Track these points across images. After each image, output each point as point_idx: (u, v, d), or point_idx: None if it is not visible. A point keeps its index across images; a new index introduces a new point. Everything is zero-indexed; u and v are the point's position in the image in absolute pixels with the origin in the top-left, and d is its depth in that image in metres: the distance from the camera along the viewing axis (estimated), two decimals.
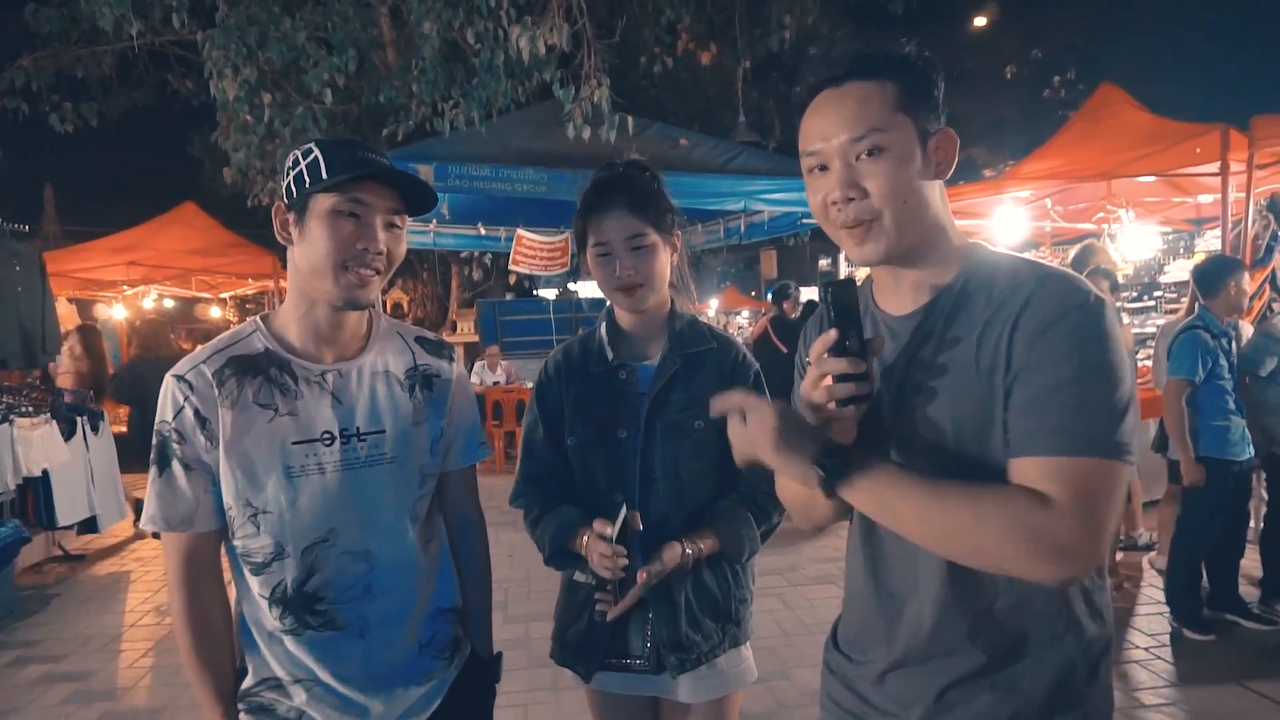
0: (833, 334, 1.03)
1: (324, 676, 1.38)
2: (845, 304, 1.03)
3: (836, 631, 1.37)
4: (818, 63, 1.10)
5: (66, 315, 9.02)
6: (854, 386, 1.02)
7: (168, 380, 1.36)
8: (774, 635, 3.92)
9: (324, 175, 1.31)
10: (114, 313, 11.19)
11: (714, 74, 12.27)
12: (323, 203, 1.32)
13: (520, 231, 7.76)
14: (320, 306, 1.39)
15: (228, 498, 1.35)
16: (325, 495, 1.36)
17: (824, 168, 1.10)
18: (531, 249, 7.82)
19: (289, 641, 1.38)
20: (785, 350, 6.74)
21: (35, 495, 5.29)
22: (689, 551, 1.62)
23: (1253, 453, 3.84)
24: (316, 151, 1.33)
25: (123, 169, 18.37)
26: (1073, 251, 5.37)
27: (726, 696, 1.73)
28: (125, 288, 10.71)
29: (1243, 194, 5.14)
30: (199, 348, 1.42)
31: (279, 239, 1.40)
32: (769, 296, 8.86)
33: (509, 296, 14.95)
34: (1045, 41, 24.59)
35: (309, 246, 1.34)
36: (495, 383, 9.56)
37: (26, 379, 6.24)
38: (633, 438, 1.68)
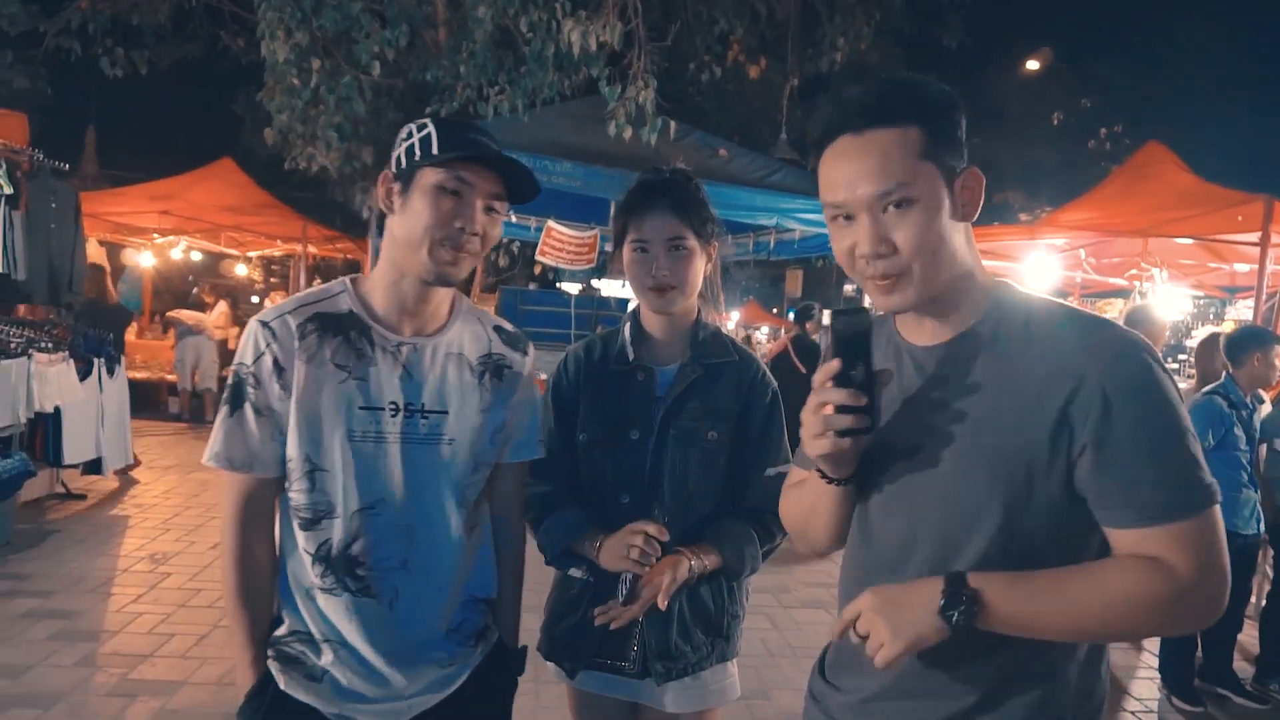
0: (835, 364, 1.02)
1: (352, 640, 1.40)
2: (853, 334, 1.03)
3: (824, 658, 1.35)
4: (834, 104, 1.06)
5: (95, 256, 9.12)
6: (853, 419, 1.02)
7: (252, 324, 1.38)
8: (759, 654, 3.90)
9: (435, 151, 1.33)
10: (142, 259, 11.29)
11: (760, 88, 12.23)
12: (429, 177, 1.34)
13: (551, 223, 7.76)
14: (409, 279, 1.40)
15: (291, 449, 1.37)
16: (380, 464, 1.38)
17: (849, 218, 1.07)
18: (560, 241, 7.81)
19: (324, 600, 1.40)
20: (804, 371, 6.71)
21: (44, 431, 5.36)
22: (693, 566, 1.61)
23: (1260, 529, 3.79)
24: (431, 127, 1.36)
25: (166, 118, 18.52)
26: (1124, 309, 5.32)
27: (707, 710, 1.73)
28: (156, 236, 10.82)
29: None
30: (278, 300, 1.44)
31: (381, 207, 1.42)
32: (791, 315, 8.84)
33: (532, 286, 14.98)
34: (1095, 93, 24.40)
35: (409, 218, 1.36)
36: None
37: (50, 314, 6.29)
38: (645, 440, 1.68)
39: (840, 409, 1.02)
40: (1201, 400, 3.81)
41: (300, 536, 1.40)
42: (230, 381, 1.38)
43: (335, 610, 1.40)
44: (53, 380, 5.20)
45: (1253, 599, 4.23)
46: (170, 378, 10.07)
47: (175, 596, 4.20)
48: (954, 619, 0.98)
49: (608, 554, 1.61)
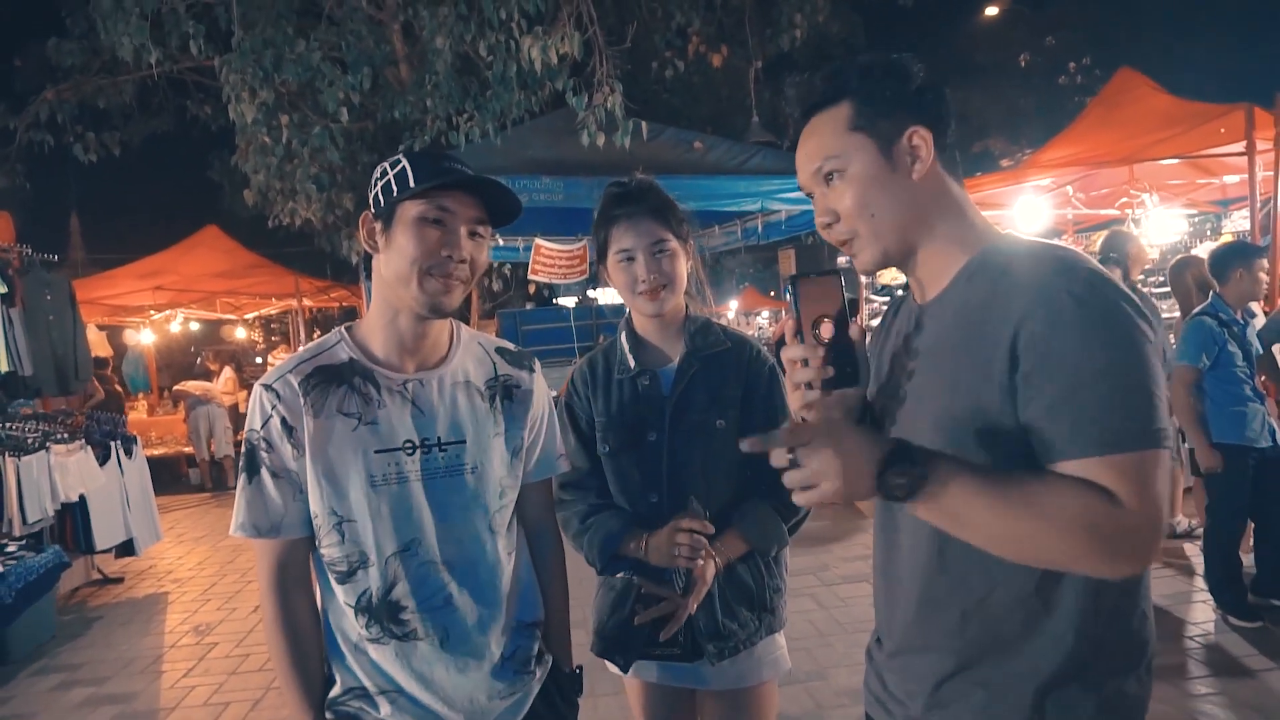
0: (790, 322, 1.08)
1: (408, 687, 1.39)
2: (814, 293, 1.07)
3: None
4: (792, 103, 1.17)
5: (96, 342, 9.17)
6: (811, 372, 1.05)
7: (256, 389, 1.39)
8: (809, 635, 3.89)
9: (411, 184, 1.33)
10: (142, 338, 11.36)
11: (726, 76, 12.26)
12: (409, 210, 1.34)
13: (539, 241, 7.79)
14: (404, 315, 1.40)
15: (314, 506, 1.37)
16: (407, 504, 1.37)
17: (811, 196, 1.18)
18: (550, 257, 7.84)
19: (374, 651, 1.39)
20: None
21: (73, 520, 5.38)
22: (718, 563, 1.69)
23: (1277, 440, 3.77)
24: (405, 162, 1.36)
25: (146, 195, 18.66)
26: (1099, 239, 5.31)
27: (764, 683, 1.79)
28: (152, 312, 10.87)
29: (1270, 172, 5.05)
30: (282, 357, 1.45)
31: (365, 247, 1.43)
32: (786, 295, 8.82)
33: (529, 306, 15.02)
34: (1059, 29, 24.31)
35: (394, 254, 1.35)
36: None
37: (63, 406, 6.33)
38: (661, 440, 1.74)
39: (805, 362, 1.06)
40: (1191, 323, 3.83)
41: (339, 590, 1.39)
42: (244, 449, 1.39)
43: (386, 659, 1.39)
44: (73, 469, 5.24)
45: None
46: (187, 450, 10.12)
47: (224, 665, 4.22)
48: (891, 483, 0.95)
49: (655, 553, 1.67)
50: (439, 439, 1.40)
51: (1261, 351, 3.92)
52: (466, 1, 7.01)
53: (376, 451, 1.36)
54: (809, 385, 1.07)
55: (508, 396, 1.51)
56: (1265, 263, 3.83)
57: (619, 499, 1.79)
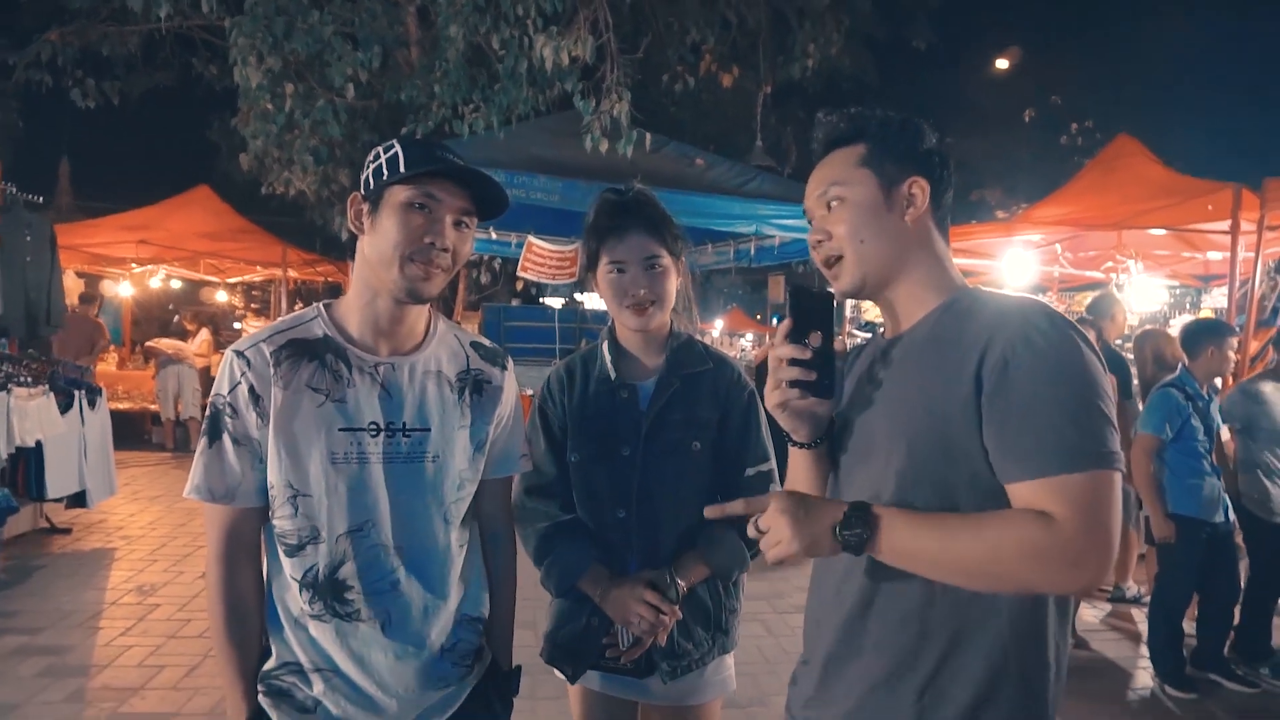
0: (788, 322, 1.17)
1: (344, 667, 1.40)
2: (810, 302, 1.18)
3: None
4: (816, 139, 1.30)
5: (72, 288, 9.04)
6: (799, 371, 1.15)
7: (228, 354, 1.38)
8: (756, 661, 3.90)
9: (402, 169, 1.34)
10: (120, 290, 11.21)
11: (734, 97, 12.34)
12: (397, 195, 1.35)
13: (531, 239, 7.77)
14: (382, 298, 1.41)
15: (272, 476, 1.36)
16: (364, 485, 1.38)
17: (811, 220, 1.30)
18: (541, 256, 7.82)
19: (314, 627, 1.39)
20: None
21: (26, 466, 5.28)
22: (683, 587, 1.71)
23: (1229, 517, 3.85)
24: (398, 147, 1.37)
25: (140, 148, 18.45)
26: (1083, 299, 5.42)
27: (709, 702, 1.80)
28: (134, 265, 10.73)
29: (1252, 254, 5.15)
30: (254, 328, 1.45)
31: (351, 228, 1.44)
32: (775, 318, 8.87)
33: (515, 302, 14.97)
34: (1065, 88, 24.69)
35: (379, 237, 1.37)
36: None
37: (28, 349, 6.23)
38: (634, 455, 1.73)
39: (791, 362, 1.16)
40: (1158, 393, 3.90)
41: (286, 564, 1.39)
42: (209, 413, 1.38)
43: (325, 637, 1.39)
44: (33, 414, 5.15)
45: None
46: (153, 408, 9.98)
47: (164, 628, 4.16)
48: (848, 538, 1.07)
49: (612, 606, 1.68)
50: (404, 424, 1.40)
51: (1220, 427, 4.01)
52: None
53: (340, 429, 1.36)
54: (790, 384, 1.16)
55: (477, 391, 1.51)
56: (1236, 342, 3.90)
57: (583, 509, 1.77)
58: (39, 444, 5.21)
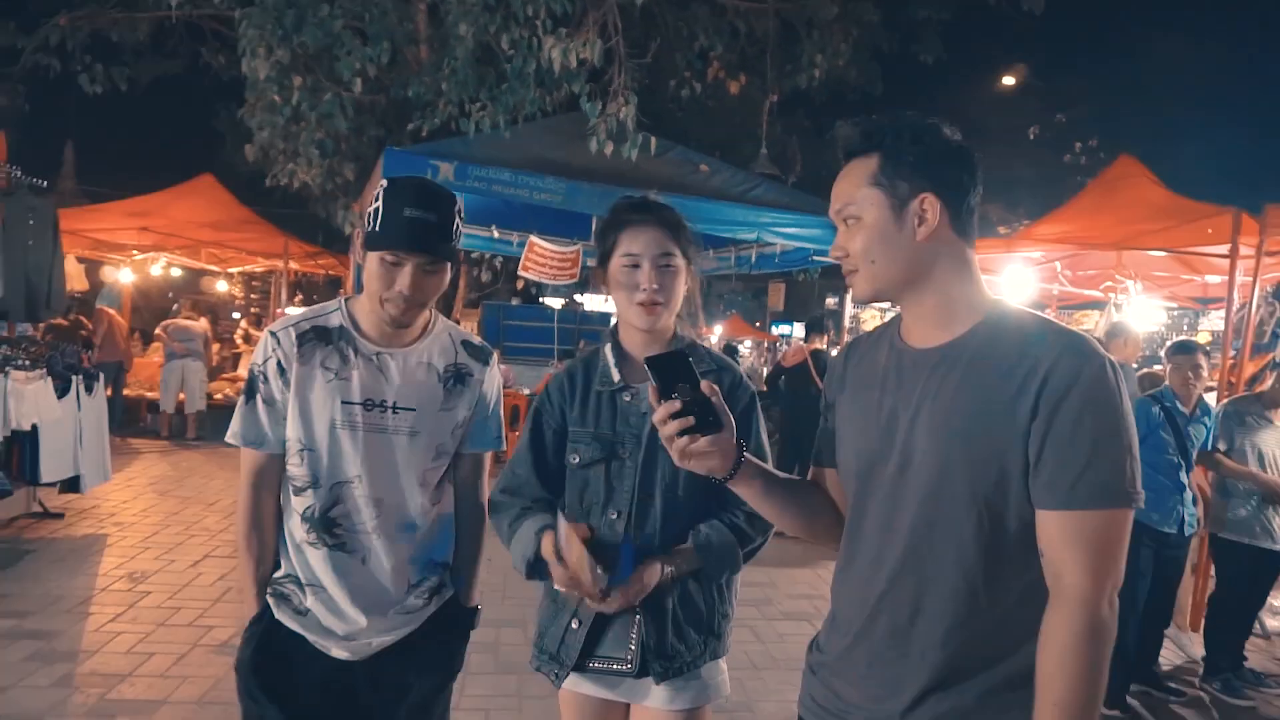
0: (653, 390, 1.25)
1: (329, 586, 1.72)
2: (666, 366, 1.26)
3: (818, 636, 1.46)
4: (837, 141, 1.33)
5: (73, 273, 9.04)
6: (680, 422, 1.21)
7: (265, 333, 1.74)
8: (744, 667, 3.91)
9: (378, 229, 1.61)
10: (121, 276, 11.20)
11: (740, 104, 12.34)
12: (373, 252, 1.64)
13: (533, 238, 7.78)
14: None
15: (289, 432, 1.71)
16: (355, 447, 1.70)
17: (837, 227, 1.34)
18: (543, 256, 7.84)
19: (310, 552, 1.73)
20: (820, 383, 6.79)
21: (21, 449, 5.29)
22: (669, 570, 1.70)
23: (1183, 530, 3.88)
24: (381, 201, 1.62)
25: (145, 135, 18.48)
26: (1087, 318, 5.53)
27: (701, 707, 1.79)
28: (135, 252, 10.72)
29: (1250, 278, 5.17)
30: (289, 312, 1.62)
31: (354, 258, 1.75)
32: (775, 325, 8.89)
33: (515, 301, 14.98)
34: (1070, 107, 24.76)
35: (366, 276, 1.68)
36: None
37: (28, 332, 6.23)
38: (634, 457, 1.75)
39: (672, 417, 1.22)
40: (1136, 400, 4.01)
41: (294, 500, 1.74)
42: (248, 376, 1.74)
43: (317, 561, 1.73)
44: (29, 397, 5.15)
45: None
46: (151, 395, 9.97)
47: (154, 615, 4.17)
48: None
49: (557, 577, 1.69)
50: (394, 403, 1.73)
51: (1209, 447, 4.09)
52: None
53: (343, 402, 1.69)
54: (679, 435, 1.22)
55: (460, 381, 1.82)
56: (1196, 363, 3.98)
57: (575, 510, 1.78)
58: (35, 428, 5.22)
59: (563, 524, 1.64)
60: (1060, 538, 1.12)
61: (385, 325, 1.70)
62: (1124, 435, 1.13)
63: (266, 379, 1.71)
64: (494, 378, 1.89)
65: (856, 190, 1.27)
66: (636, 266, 1.73)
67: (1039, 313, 1.25)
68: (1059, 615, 1.12)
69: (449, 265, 1.70)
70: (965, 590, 1.19)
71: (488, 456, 1.95)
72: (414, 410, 1.73)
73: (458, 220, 1.68)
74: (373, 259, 1.63)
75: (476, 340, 1.89)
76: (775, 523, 1.47)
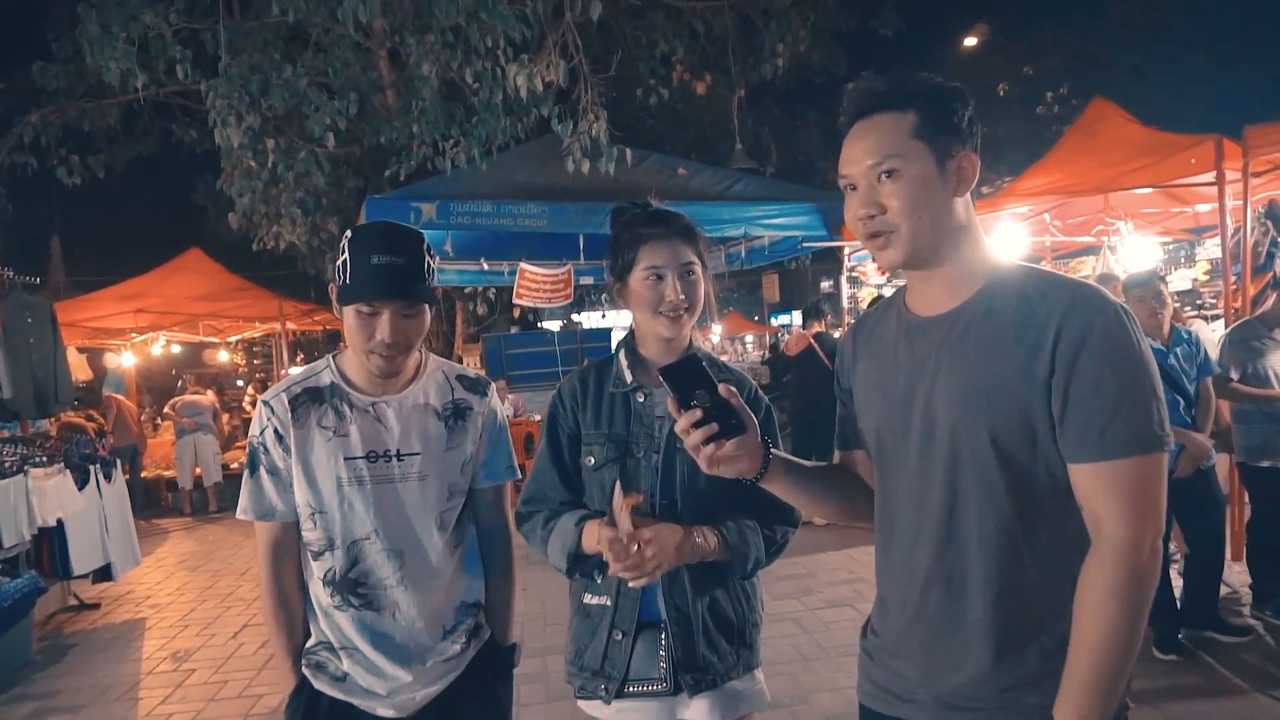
0: (672, 400, 1.23)
1: (363, 647, 1.69)
2: (682, 375, 1.25)
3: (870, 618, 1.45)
4: (854, 95, 1.25)
5: (76, 364, 9.10)
6: (704, 430, 1.20)
7: (259, 403, 1.72)
8: (792, 660, 3.89)
9: (348, 281, 1.58)
10: (123, 360, 11.26)
11: (709, 103, 12.41)
12: (348, 305, 1.61)
13: (523, 265, 7.80)
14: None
15: (298, 497, 1.69)
16: (366, 502, 1.67)
17: (854, 187, 1.25)
18: (535, 281, 7.86)
19: (338, 616, 1.70)
20: (828, 364, 6.77)
21: (50, 545, 5.31)
22: (698, 541, 1.63)
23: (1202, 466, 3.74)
24: (347, 252, 1.59)
25: (128, 218, 18.63)
26: (1083, 265, 5.45)
27: (745, 718, 1.77)
28: (134, 335, 10.79)
29: (1240, 202, 5.16)
30: (288, 374, 1.61)
31: (335, 312, 1.68)
32: (776, 318, 8.89)
33: (514, 330, 15.00)
34: (1036, 59, 24.74)
35: (346, 329, 1.65)
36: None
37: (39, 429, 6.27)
38: (650, 458, 1.73)
39: (694, 426, 1.20)
40: None
41: (314, 565, 1.71)
42: (248, 450, 1.72)
43: (346, 623, 1.70)
44: (51, 493, 5.18)
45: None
46: (168, 474, 10.01)
47: (203, 692, 4.18)
48: None
49: (588, 536, 1.67)
50: (398, 451, 1.70)
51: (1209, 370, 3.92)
52: (453, 29, 7.07)
53: (346, 458, 1.66)
54: (705, 443, 1.20)
55: (461, 416, 1.79)
56: (1157, 290, 3.80)
57: (599, 515, 1.74)
58: (60, 522, 5.24)
59: (617, 494, 1.62)
60: (1096, 489, 1.12)
61: (375, 376, 1.68)
62: (1147, 380, 1.12)
63: (266, 449, 1.68)
64: (495, 407, 1.85)
65: (898, 142, 1.19)
66: (661, 279, 1.73)
67: (1039, 268, 1.24)
68: (1098, 562, 1.12)
69: (427, 306, 1.66)
70: (1009, 550, 1.18)
71: (507, 487, 1.90)
72: (419, 454, 1.70)
73: (427, 259, 1.64)
74: (349, 312, 1.61)
75: (471, 373, 1.87)
76: (812, 513, 1.46)
